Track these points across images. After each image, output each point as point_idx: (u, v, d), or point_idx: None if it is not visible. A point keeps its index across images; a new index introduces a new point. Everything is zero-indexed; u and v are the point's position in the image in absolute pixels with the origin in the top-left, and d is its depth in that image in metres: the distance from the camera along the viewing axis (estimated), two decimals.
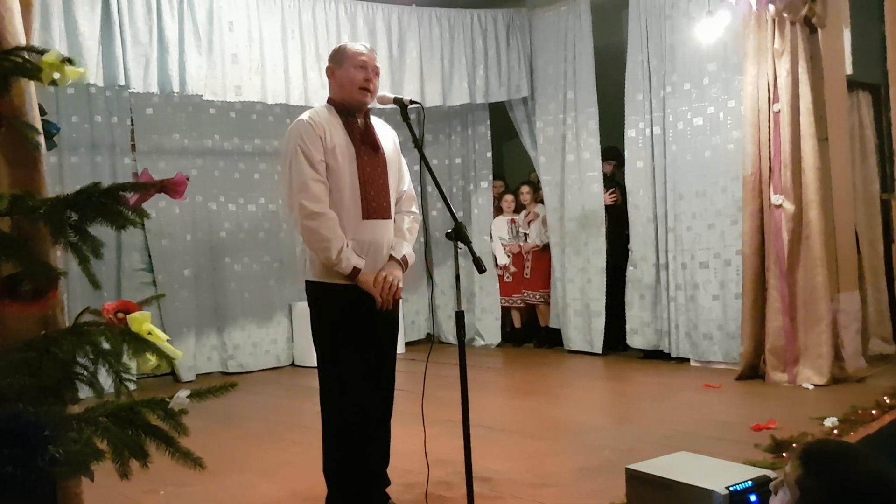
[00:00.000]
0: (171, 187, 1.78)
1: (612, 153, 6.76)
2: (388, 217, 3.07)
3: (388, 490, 3.13)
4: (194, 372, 6.49)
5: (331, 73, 3.05)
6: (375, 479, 3.09)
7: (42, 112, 2.39)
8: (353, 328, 2.95)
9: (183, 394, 1.77)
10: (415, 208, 3.22)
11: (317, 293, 3.00)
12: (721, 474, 2.53)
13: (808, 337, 5.11)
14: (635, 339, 6.39)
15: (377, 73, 3.04)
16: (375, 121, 3.12)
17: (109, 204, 1.66)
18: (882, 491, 1.69)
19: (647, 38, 6.16)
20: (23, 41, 2.18)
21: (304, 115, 3.00)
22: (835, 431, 3.71)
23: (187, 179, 1.79)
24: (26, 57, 1.86)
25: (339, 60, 3.01)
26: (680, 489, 2.50)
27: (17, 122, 1.97)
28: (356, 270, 2.89)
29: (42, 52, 1.88)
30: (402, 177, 3.16)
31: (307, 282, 3.02)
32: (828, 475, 1.72)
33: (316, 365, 3.08)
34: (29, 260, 1.67)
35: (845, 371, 5.11)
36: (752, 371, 5.33)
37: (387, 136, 3.13)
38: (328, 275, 2.93)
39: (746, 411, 4.48)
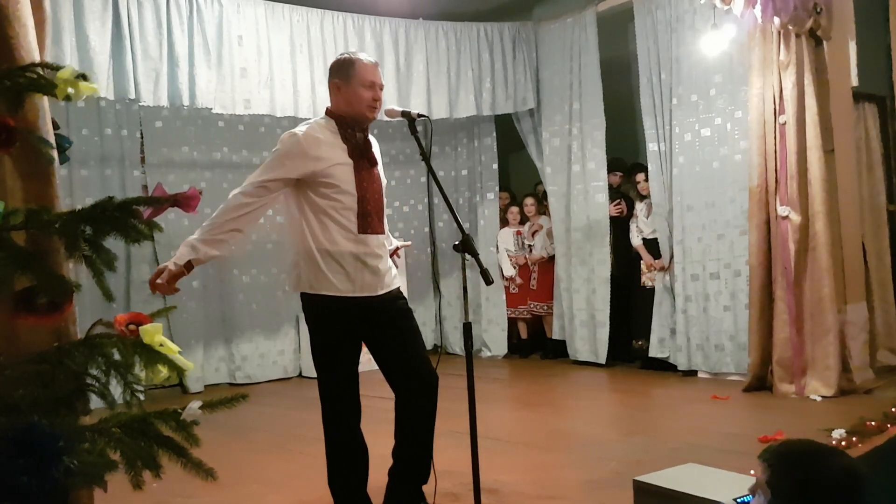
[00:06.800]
0: (185, 201, 1.80)
1: (618, 165, 6.78)
2: (382, 232, 3.07)
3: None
4: (202, 383, 6.52)
5: (336, 87, 3.00)
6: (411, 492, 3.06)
7: (55, 126, 2.43)
8: (353, 338, 2.95)
9: (195, 405, 1.79)
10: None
11: (313, 304, 2.97)
12: (729, 486, 2.54)
13: (815, 348, 5.10)
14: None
15: (382, 88, 3.04)
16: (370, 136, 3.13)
17: (123, 218, 1.68)
18: (848, 482, 1.75)
19: (654, 50, 6.18)
20: (37, 57, 2.21)
21: (299, 129, 2.96)
22: (843, 443, 3.70)
23: (200, 193, 1.81)
24: (41, 73, 1.88)
25: (347, 77, 2.97)
26: (688, 501, 2.51)
27: (31, 137, 2.00)
28: (188, 262, 2.83)
29: (56, 68, 1.90)
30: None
31: (302, 294, 2.98)
32: (794, 471, 1.78)
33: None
34: (44, 274, 1.69)
35: (853, 383, 5.09)
36: (760, 382, 5.31)
37: (377, 152, 3.13)
38: (323, 286, 2.91)
39: (754, 423, 4.47)
